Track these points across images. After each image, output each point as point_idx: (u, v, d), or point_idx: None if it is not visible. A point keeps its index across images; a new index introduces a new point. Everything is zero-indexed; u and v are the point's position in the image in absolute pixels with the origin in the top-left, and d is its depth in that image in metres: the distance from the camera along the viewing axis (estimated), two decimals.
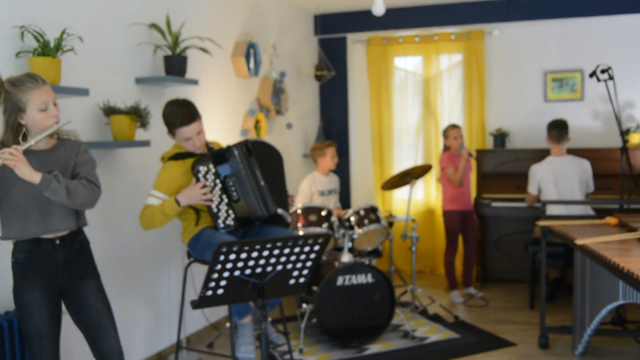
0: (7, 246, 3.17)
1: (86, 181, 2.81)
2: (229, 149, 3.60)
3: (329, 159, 5.62)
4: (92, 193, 2.81)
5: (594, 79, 5.09)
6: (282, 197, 3.82)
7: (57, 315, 2.89)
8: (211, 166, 3.59)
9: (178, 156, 3.67)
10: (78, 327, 2.99)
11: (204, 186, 3.55)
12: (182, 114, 3.56)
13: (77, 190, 2.73)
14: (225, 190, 3.62)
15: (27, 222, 2.77)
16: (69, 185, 2.70)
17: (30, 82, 2.72)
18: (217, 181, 3.61)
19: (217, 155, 3.61)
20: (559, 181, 5.43)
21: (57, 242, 2.84)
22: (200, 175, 3.59)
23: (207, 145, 3.69)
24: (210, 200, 3.59)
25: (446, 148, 6.03)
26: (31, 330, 2.79)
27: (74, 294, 2.93)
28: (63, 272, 2.87)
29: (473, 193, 6.45)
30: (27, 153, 2.70)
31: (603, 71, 4.94)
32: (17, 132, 2.75)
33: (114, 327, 3.00)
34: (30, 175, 2.60)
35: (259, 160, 3.69)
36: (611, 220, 4.30)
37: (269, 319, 3.95)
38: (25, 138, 2.76)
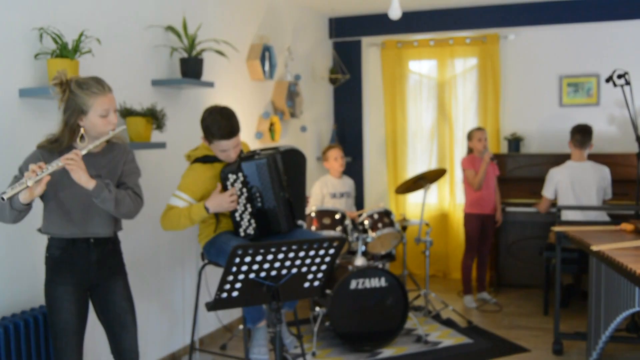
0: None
1: (132, 193, 2.90)
2: (260, 160, 3.52)
3: (332, 160, 5.61)
4: (136, 205, 2.90)
5: (610, 83, 5.07)
6: (302, 207, 3.82)
7: (85, 311, 2.96)
8: (240, 175, 3.53)
9: (207, 159, 3.61)
10: (101, 323, 3.05)
11: (232, 194, 3.50)
12: (224, 127, 3.47)
13: (125, 202, 2.81)
14: (250, 199, 3.57)
15: (68, 222, 2.84)
16: (118, 196, 2.78)
17: (96, 88, 2.78)
18: (244, 190, 3.56)
19: (248, 165, 3.53)
20: (577, 186, 5.39)
21: (92, 241, 2.91)
22: (229, 183, 3.53)
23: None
24: (236, 207, 3.57)
25: (470, 151, 6.01)
26: (59, 324, 2.85)
27: (102, 291, 2.99)
28: (95, 270, 2.94)
29: None
30: None
31: (620, 76, 4.91)
32: (73, 132, 2.81)
33: (135, 327, 3.06)
34: (86, 181, 2.68)
35: (287, 169, 3.65)
36: (627, 226, 4.27)
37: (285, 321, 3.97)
38: (82, 139, 2.82)
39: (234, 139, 3.52)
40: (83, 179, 2.67)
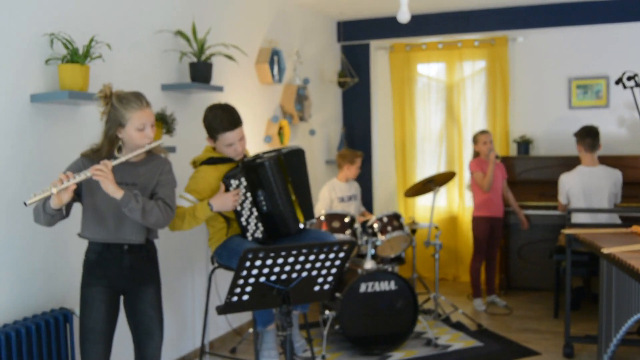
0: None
1: (162, 203, 2.97)
2: (262, 163, 3.50)
3: (356, 168, 5.65)
4: (165, 215, 2.96)
5: (619, 85, 5.04)
6: (309, 206, 3.82)
7: (115, 315, 3.03)
8: (243, 179, 3.53)
9: (211, 161, 3.62)
10: (129, 326, 3.11)
11: (236, 193, 3.50)
12: (226, 118, 3.52)
13: (153, 212, 2.89)
14: (255, 203, 3.57)
15: (102, 227, 2.94)
16: (146, 207, 2.86)
17: (135, 103, 2.91)
18: (248, 194, 3.55)
19: (250, 168, 3.53)
20: (589, 193, 5.30)
21: (126, 247, 2.99)
22: (232, 188, 3.54)
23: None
24: (242, 207, 3.58)
25: (476, 154, 6.00)
26: (88, 323, 2.93)
27: (133, 297, 3.06)
28: (127, 275, 3.00)
29: None
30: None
31: (629, 78, 4.89)
32: (112, 143, 2.95)
33: (161, 336, 3.11)
34: (113, 191, 2.78)
35: (292, 170, 3.64)
36: (638, 229, 4.25)
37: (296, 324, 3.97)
38: (120, 150, 2.96)
39: (237, 129, 3.54)
40: (110, 188, 2.77)
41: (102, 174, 2.75)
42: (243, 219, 3.59)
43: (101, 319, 2.94)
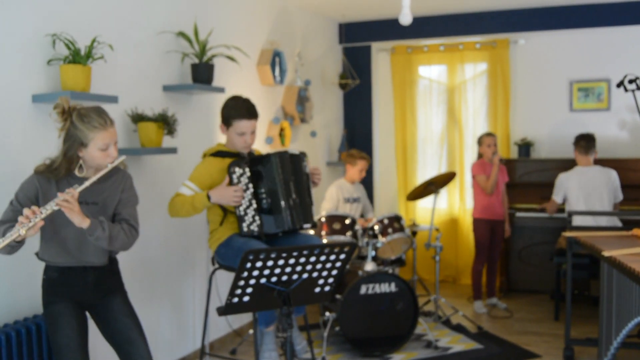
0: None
1: (127, 226, 2.89)
2: (268, 156, 3.62)
3: (357, 171, 5.64)
4: (130, 239, 2.89)
5: (621, 88, 5.04)
6: (308, 211, 3.80)
7: (85, 328, 2.94)
8: (247, 169, 3.60)
9: (219, 153, 3.73)
10: (109, 342, 3.01)
11: (237, 189, 3.55)
12: (245, 107, 3.66)
13: (118, 237, 2.81)
14: (255, 195, 3.62)
15: (63, 250, 2.85)
16: (112, 233, 2.77)
17: (98, 122, 2.75)
18: (250, 185, 3.61)
19: (255, 160, 3.63)
20: (586, 191, 5.39)
21: (89, 267, 2.91)
22: (235, 177, 3.58)
23: (250, 150, 3.77)
24: (240, 203, 3.60)
25: (480, 156, 6.01)
26: (62, 340, 2.82)
27: (101, 310, 2.99)
28: (92, 290, 2.94)
29: None
30: (75, 180, 2.79)
31: (631, 81, 4.89)
32: (72, 162, 2.80)
33: (144, 340, 3.01)
34: (80, 222, 2.68)
35: (295, 171, 3.71)
36: (639, 232, 4.25)
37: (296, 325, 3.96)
38: (81, 168, 2.82)
39: (252, 121, 3.67)
40: (77, 220, 2.67)
41: (69, 205, 2.62)
42: (241, 208, 3.61)
43: (74, 333, 2.83)
